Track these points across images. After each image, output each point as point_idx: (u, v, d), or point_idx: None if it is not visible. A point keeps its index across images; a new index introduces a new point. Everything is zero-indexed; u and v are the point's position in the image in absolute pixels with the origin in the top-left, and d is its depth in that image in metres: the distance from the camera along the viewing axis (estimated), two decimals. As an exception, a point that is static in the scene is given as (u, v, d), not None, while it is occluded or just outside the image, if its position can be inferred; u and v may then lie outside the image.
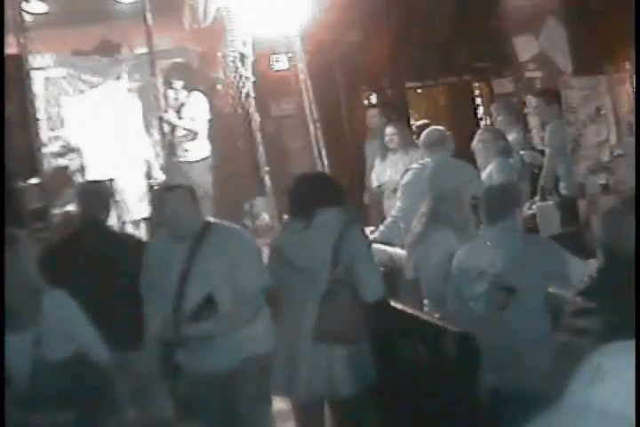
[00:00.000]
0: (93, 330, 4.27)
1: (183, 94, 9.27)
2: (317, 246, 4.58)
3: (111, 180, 7.71)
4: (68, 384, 4.06)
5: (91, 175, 8.90)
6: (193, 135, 9.23)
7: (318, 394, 4.63)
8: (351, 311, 4.54)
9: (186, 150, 9.23)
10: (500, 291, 4.33)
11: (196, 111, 9.07)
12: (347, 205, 4.84)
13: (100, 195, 5.26)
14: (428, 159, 6.84)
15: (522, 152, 7.89)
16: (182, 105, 9.22)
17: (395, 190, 7.50)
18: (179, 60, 10.08)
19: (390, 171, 8.05)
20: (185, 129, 9.11)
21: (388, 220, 7.00)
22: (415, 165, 7.00)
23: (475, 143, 7.57)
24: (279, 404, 4.95)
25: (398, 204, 6.96)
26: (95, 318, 4.34)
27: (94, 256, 5.01)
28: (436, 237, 4.98)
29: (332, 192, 4.80)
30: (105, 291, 4.92)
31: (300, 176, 5.18)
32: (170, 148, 8.67)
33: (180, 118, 9.11)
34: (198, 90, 9.37)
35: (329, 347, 4.53)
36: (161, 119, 8.93)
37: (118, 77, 9.56)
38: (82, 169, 9.25)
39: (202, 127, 9.28)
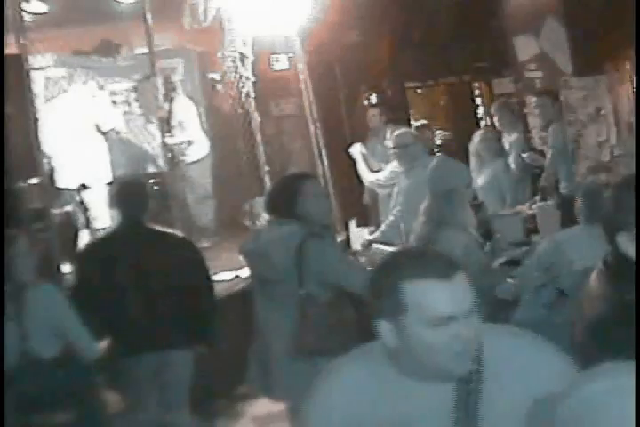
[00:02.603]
0: (83, 325, 4.27)
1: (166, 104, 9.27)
2: (277, 259, 4.37)
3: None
4: (58, 383, 4.05)
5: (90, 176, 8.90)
6: (188, 143, 9.23)
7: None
8: (328, 322, 4.31)
9: (183, 154, 9.22)
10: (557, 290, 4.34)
11: (184, 118, 9.03)
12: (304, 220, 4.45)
13: (138, 194, 5.24)
14: (426, 160, 6.88)
15: (524, 155, 7.90)
16: (169, 113, 9.22)
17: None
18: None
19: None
20: (180, 141, 9.12)
21: (389, 219, 7.01)
22: (414, 166, 7.00)
23: (475, 143, 7.58)
24: (278, 405, 4.95)
25: (399, 203, 6.97)
26: (131, 317, 4.34)
27: (137, 255, 4.98)
28: (442, 238, 4.95)
29: (286, 202, 4.52)
30: (146, 290, 4.91)
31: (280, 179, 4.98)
32: (168, 150, 8.66)
33: (170, 127, 9.11)
34: (182, 94, 9.36)
35: (309, 357, 4.38)
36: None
37: (117, 77, 9.56)
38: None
39: (194, 132, 9.24)
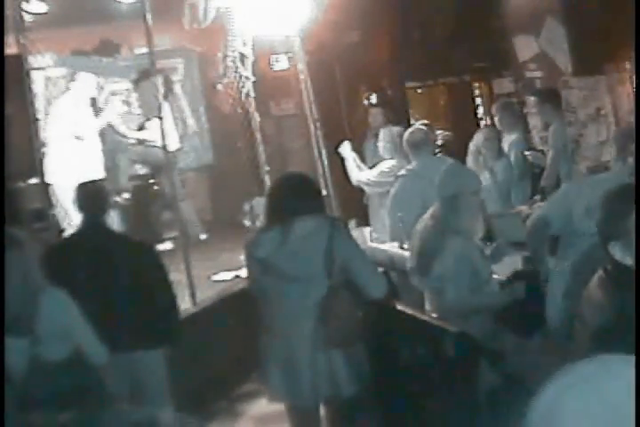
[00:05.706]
0: (92, 331, 4.27)
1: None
2: (309, 255, 4.53)
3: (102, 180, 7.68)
4: (66, 385, 4.06)
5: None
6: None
7: (322, 395, 4.64)
8: (351, 314, 4.55)
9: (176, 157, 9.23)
10: None
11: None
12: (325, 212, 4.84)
13: (99, 195, 5.26)
14: (416, 162, 6.84)
15: (527, 152, 7.89)
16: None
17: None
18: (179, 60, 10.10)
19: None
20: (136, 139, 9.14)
21: (391, 220, 6.98)
22: (403, 172, 6.95)
23: (477, 142, 7.56)
24: (277, 405, 4.96)
25: (393, 207, 6.93)
26: (95, 319, 4.35)
27: (96, 256, 5.01)
28: (447, 246, 4.93)
29: (314, 198, 4.77)
30: (106, 291, 4.93)
31: (280, 180, 5.01)
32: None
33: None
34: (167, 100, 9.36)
35: (329, 350, 4.54)
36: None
37: (117, 77, 9.56)
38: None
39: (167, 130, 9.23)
